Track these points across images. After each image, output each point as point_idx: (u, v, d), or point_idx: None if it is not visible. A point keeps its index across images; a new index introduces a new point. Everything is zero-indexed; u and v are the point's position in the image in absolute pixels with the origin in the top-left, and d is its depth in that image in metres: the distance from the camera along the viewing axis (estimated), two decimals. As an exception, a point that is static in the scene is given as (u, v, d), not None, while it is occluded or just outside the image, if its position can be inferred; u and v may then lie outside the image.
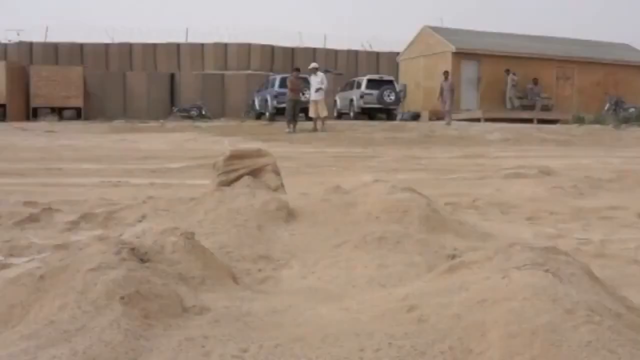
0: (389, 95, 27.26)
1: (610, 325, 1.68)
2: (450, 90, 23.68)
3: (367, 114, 27.51)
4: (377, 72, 32.09)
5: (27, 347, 1.73)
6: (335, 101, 28.98)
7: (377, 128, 21.53)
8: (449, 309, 1.89)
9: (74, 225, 5.10)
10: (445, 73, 24.14)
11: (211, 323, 1.98)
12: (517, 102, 28.00)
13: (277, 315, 2.14)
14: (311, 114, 20.96)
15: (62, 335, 1.79)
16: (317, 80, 20.73)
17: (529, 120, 25.43)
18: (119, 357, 1.71)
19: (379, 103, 27.17)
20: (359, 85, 27.75)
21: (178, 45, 35.75)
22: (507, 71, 27.75)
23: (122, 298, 1.95)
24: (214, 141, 17.37)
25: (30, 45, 34.43)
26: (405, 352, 1.73)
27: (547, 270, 1.97)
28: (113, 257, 2.19)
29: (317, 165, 11.37)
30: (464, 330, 1.77)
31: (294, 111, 20.56)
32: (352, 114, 27.74)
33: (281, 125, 21.85)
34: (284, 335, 1.90)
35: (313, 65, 21.79)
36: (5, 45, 34.38)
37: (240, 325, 2.00)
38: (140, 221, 4.87)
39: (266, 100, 26.63)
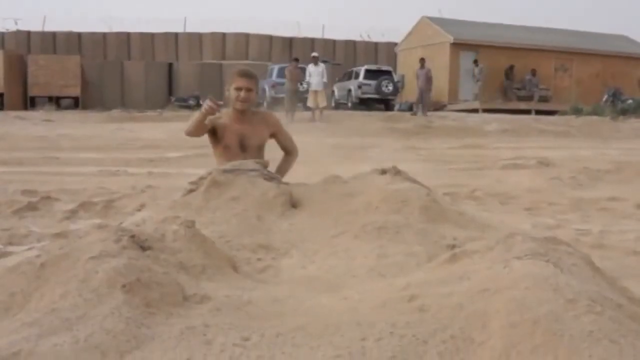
0: (386, 86, 27.17)
1: (612, 316, 1.68)
2: (427, 79, 23.00)
3: (365, 104, 27.42)
4: (375, 63, 31.97)
5: (29, 334, 1.73)
6: (333, 91, 28.90)
7: (375, 118, 21.49)
8: (450, 299, 1.88)
9: (72, 214, 5.11)
10: (421, 60, 23.72)
11: (212, 312, 1.98)
12: (475, 96, 27.57)
13: (277, 305, 2.13)
14: (310, 103, 20.89)
15: (64, 323, 1.79)
16: (319, 70, 20.62)
17: (527, 112, 25.42)
18: (120, 345, 1.71)
19: (377, 93, 27.08)
20: (357, 76, 27.65)
21: (176, 35, 35.60)
22: (475, 62, 27.56)
23: (123, 286, 1.94)
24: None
25: (28, 34, 34.26)
26: (406, 341, 1.73)
27: (548, 260, 1.97)
28: (114, 245, 2.18)
29: (315, 155, 11.35)
30: (466, 319, 1.77)
31: (292, 101, 20.51)
32: (350, 104, 27.65)
33: (279, 115, 21.78)
34: (285, 324, 1.90)
35: (314, 54, 21.74)
36: (3, 34, 34.20)
37: (242, 314, 2.00)
38: (139, 210, 4.87)
39: (264, 90, 26.57)
